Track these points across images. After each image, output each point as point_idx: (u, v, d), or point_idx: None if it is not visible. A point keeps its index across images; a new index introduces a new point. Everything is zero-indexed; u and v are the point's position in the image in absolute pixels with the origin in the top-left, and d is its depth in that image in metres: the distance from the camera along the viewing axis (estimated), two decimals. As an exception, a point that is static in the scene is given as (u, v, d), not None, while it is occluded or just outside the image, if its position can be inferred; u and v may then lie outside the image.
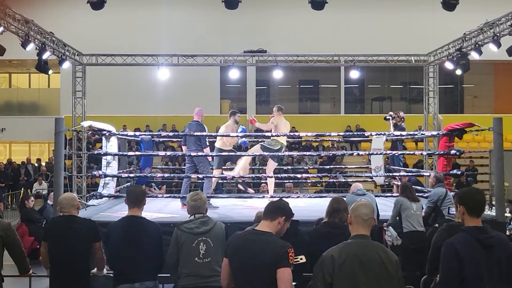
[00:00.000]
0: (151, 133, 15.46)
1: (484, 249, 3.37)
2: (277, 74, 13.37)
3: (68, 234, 4.65)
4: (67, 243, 4.62)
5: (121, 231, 4.47)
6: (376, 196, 8.70)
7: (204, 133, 9.29)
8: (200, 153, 9.16)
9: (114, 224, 4.61)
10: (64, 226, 4.70)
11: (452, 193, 7.76)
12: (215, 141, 10.06)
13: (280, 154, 9.96)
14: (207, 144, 9.33)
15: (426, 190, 9.90)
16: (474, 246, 3.38)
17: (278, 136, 9.56)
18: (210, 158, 9.45)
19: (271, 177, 9.91)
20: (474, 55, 11.52)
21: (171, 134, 14.55)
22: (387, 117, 11.34)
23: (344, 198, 5.64)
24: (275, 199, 3.91)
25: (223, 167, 10.30)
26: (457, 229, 3.65)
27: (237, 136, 9.83)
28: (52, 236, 4.72)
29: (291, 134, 11.64)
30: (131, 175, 11.20)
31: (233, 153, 10.18)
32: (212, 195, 9.47)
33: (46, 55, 11.33)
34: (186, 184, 9.57)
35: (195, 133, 9.17)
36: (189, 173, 9.43)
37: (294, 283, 3.81)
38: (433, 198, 7.60)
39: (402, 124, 11.31)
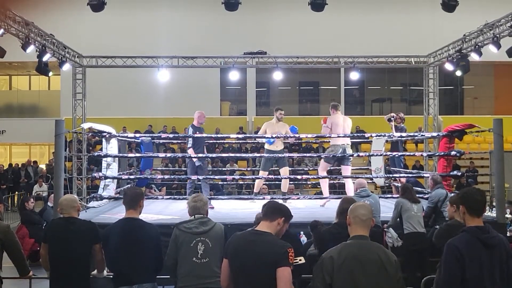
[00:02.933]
0: (151, 134, 15.46)
1: (486, 249, 3.38)
2: (277, 76, 13.35)
3: (68, 236, 4.65)
4: (67, 245, 4.62)
5: (119, 233, 4.46)
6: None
7: (194, 135, 9.33)
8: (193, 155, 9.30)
9: (111, 226, 4.61)
10: (64, 228, 4.70)
11: (452, 194, 7.75)
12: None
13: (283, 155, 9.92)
14: (190, 145, 9.45)
15: (426, 192, 9.90)
16: (476, 246, 3.39)
17: (337, 136, 9.42)
18: (194, 160, 9.48)
19: (324, 177, 9.82)
20: (474, 56, 11.50)
21: (171, 135, 14.55)
22: (390, 119, 11.34)
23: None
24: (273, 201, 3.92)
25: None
26: (457, 228, 3.65)
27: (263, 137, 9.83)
28: (52, 238, 4.72)
29: (291, 135, 11.62)
30: (131, 176, 11.20)
31: (280, 155, 10.04)
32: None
33: (46, 57, 11.32)
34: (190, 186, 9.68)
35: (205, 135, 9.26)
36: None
37: None
38: (434, 199, 7.62)
39: (402, 125, 11.31)
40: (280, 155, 9.95)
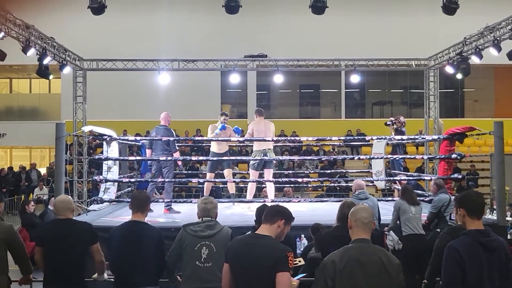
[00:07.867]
0: (151, 138, 15.42)
1: (486, 252, 3.38)
2: (278, 79, 13.36)
3: (65, 237, 4.61)
4: (64, 246, 4.58)
5: (122, 236, 4.46)
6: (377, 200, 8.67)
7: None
8: (169, 158, 9.35)
9: (116, 228, 4.60)
10: (61, 229, 4.67)
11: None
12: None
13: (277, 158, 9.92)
14: (176, 148, 9.55)
15: (427, 194, 9.88)
16: (476, 249, 3.39)
17: (259, 141, 9.53)
18: (180, 163, 9.74)
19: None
20: (474, 59, 11.50)
21: (171, 139, 14.51)
22: (388, 123, 11.36)
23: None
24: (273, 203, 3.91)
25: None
26: (460, 232, 3.65)
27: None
28: (49, 239, 4.67)
29: (292, 138, 11.64)
30: (132, 180, 11.20)
31: (225, 158, 10.30)
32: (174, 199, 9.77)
33: (46, 60, 11.33)
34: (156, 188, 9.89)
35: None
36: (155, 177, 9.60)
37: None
38: (437, 204, 7.56)
39: (403, 128, 11.31)
40: (223, 157, 10.22)
